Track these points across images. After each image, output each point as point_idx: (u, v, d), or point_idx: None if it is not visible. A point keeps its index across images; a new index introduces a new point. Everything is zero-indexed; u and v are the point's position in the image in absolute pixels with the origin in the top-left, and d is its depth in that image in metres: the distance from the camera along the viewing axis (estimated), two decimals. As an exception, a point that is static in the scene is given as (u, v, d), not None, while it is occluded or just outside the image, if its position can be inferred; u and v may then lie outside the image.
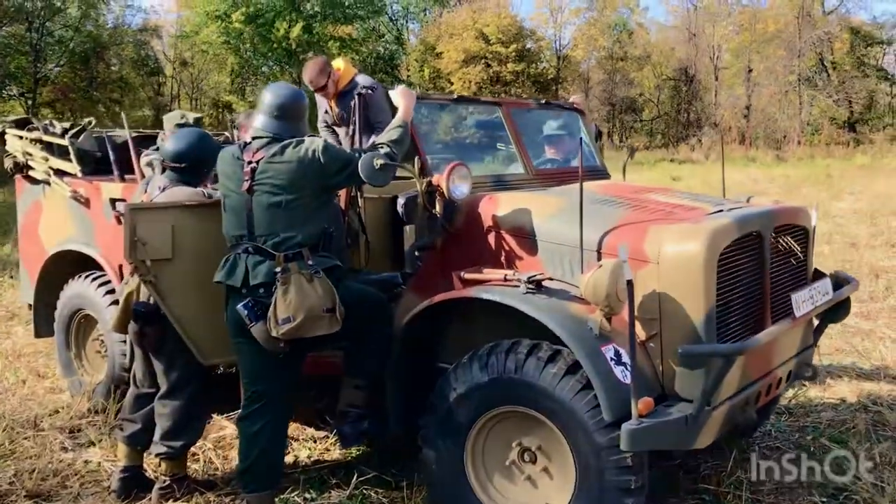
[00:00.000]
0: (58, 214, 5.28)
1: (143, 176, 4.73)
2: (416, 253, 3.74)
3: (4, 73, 28.43)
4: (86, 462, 4.37)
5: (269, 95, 3.48)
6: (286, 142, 3.37)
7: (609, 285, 2.94)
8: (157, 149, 5.01)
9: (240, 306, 3.29)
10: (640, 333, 3.14)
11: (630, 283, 2.86)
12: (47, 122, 5.58)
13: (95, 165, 5.29)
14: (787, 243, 3.65)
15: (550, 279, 3.35)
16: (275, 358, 3.36)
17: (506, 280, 3.34)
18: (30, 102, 29.52)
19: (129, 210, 3.54)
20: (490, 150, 4.75)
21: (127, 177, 5.02)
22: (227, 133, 6.32)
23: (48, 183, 5.29)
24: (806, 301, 3.43)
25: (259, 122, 3.47)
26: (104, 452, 4.46)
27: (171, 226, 3.61)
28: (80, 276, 5.11)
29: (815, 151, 32.43)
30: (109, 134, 5.25)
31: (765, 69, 37.54)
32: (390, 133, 3.53)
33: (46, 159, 5.26)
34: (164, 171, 4.03)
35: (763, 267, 3.39)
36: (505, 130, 4.28)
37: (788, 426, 4.65)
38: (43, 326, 5.55)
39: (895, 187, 18.84)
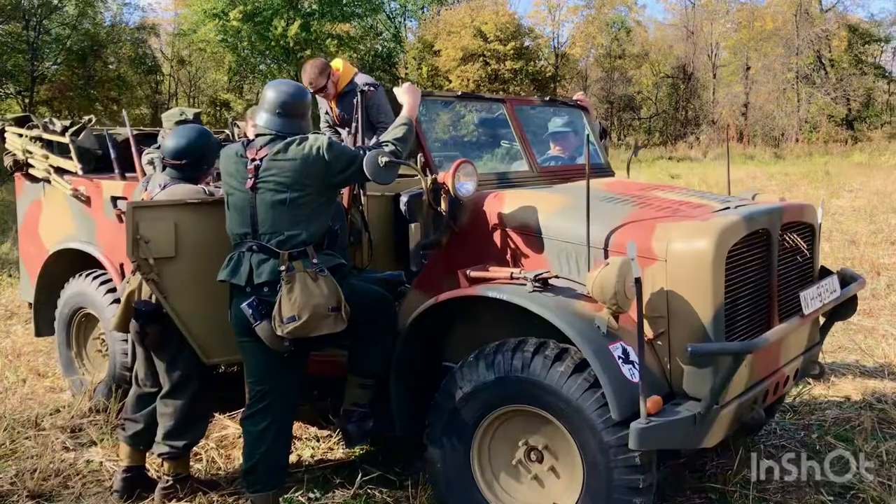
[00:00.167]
0: (58, 213, 5.25)
1: (144, 174, 4.70)
2: (422, 251, 3.71)
3: (1, 71, 28.32)
4: (87, 462, 4.35)
5: (272, 93, 3.45)
6: (290, 139, 3.34)
7: (617, 283, 2.92)
8: (158, 147, 4.98)
9: (244, 305, 3.27)
10: (648, 331, 3.12)
11: (638, 281, 2.84)
12: (47, 119, 5.55)
13: (96, 163, 5.25)
14: (793, 240, 3.63)
15: (557, 277, 3.33)
16: (279, 357, 3.34)
17: (512, 278, 3.31)
18: (27, 101, 29.41)
19: (131, 208, 3.52)
20: (488, 147, 4.73)
21: (128, 175, 4.99)
22: (227, 131, 6.29)
23: (48, 181, 5.26)
24: (814, 299, 3.42)
25: (262, 119, 3.44)
26: (106, 452, 4.44)
27: (174, 224, 3.59)
28: (80, 275, 5.08)
29: (813, 149, 32.38)
30: (110, 132, 5.21)
31: (763, 67, 37.52)
32: (395, 130, 3.50)
33: (47, 157, 5.22)
34: (164, 168, 4.00)
35: (770, 264, 3.37)
36: (509, 127, 4.25)
37: (793, 424, 4.63)
38: (43, 325, 5.52)
39: (893, 184, 18.83)
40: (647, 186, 3.98)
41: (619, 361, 2.97)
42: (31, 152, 5.32)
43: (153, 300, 3.69)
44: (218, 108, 36.44)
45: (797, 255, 3.66)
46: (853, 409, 4.83)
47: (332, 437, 4.56)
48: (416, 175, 4.89)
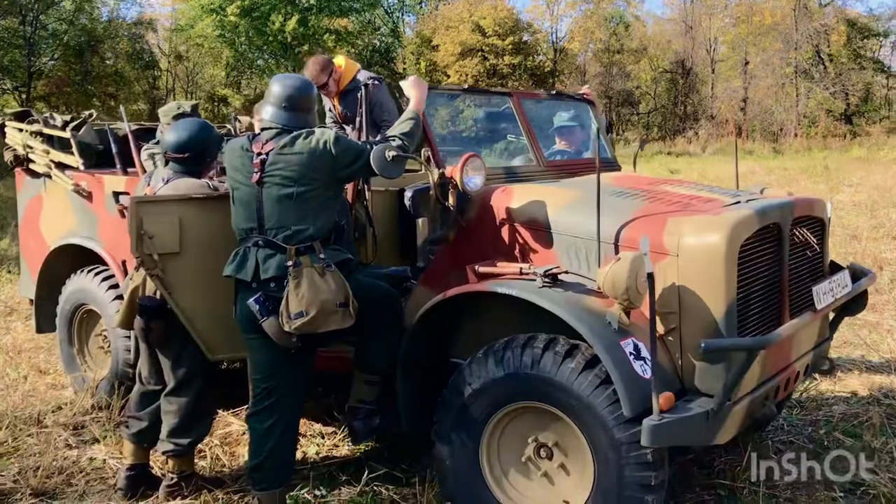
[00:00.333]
0: (59, 208, 5.21)
1: (143, 170, 4.67)
2: (429, 246, 3.67)
3: (-2, 66, 28.27)
4: (91, 459, 4.31)
5: (278, 86, 3.42)
6: (296, 133, 3.30)
7: (629, 278, 2.89)
8: (158, 142, 4.94)
9: (251, 301, 3.23)
10: (659, 327, 3.09)
11: (651, 277, 2.80)
12: (47, 114, 5.50)
13: (97, 158, 5.21)
14: (803, 235, 3.60)
15: (566, 272, 3.29)
16: (286, 353, 3.30)
17: (521, 273, 3.28)
18: (24, 96, 29.31)
19: (135, 203, 3.48)
20: (487, 142, 4.69)
21: (129, 170, 4.95)
22: (228, 126, 6.24)
23: (49, 176, 5.22)
24: (826, 294, 3.39)
25: (267, 113, 3.40)
26: (109, 449, 4.41)
27: (179, 219, 3.56)
28: (82, 271, 5.04)
29: (812, 143, 32.36)
30: (111, 126, 5.17)
31: (761, 61, 37.43)
32: (402, 125, 3.46)
33: (47, 152, 5.18)
34: (166, 163, 3.96)
35: (782, 259, 3.34)
36: (514, 121, 4.21)
37: (800, 420, 4.61)
38: (44, 322, 5.48)
39: (893, 179, 18.83)
40: (656, 181, 3.94)
41: (631, 358, 2.94)
42: (31, 147, 5.27)
43: (158, 296, 3.65)
44: (216, 104, 36.33)
45: (807, 250, 3.63)
46: (860, 405, 4.80)
47: (336, 433, 4.53)
48: (421, 170, 4.89)
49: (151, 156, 4.83)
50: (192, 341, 3.69)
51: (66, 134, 5.11)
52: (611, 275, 2.93)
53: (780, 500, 3.69)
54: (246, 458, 4.27)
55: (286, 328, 3.18)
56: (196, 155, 3.84)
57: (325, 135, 3.29)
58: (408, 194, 4.44)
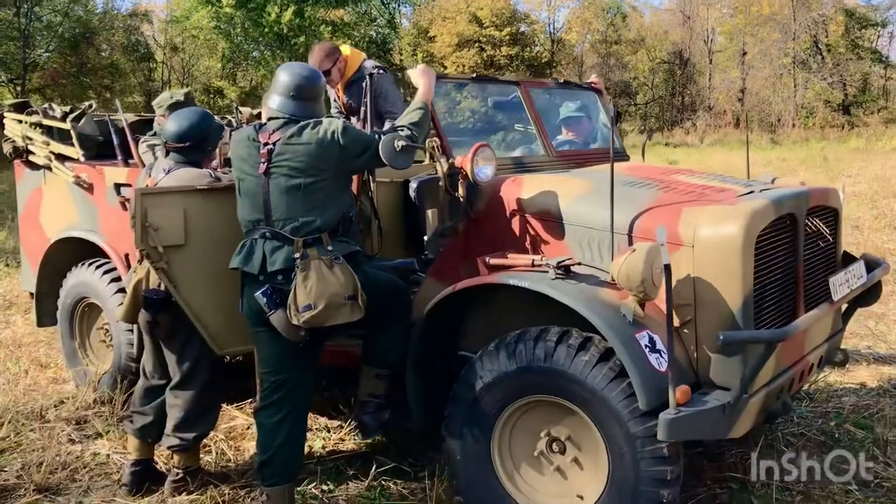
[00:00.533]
0: (60, 200, 5.14)
1: (142, 163, 4.61)
2: (438, 238, 3.61)
3: (-8, 58, 28.08)
4: (94, 454, 4.26)
5: (285, 75, 3.35)
6: (304, 123, 3.24)
7: (644, 270, 2.83)
8: (155, 133, 4.89)
9: (258, 294, 3.18)
10: (674, 320, 3.03)
11: (668, 268, 2.75)
12: (46, 105, 5.43)
13: (97, 150, 5.15)
14: (816, 225, 3.56)
15: (579, 264, 3.24)
16: (294, 346, 3.25)
17: (533, 265, 3.23)
18: (19, 89, 29.11)
19: (139, 194, 3.42)
20: (485, 133, 4.64)
21: (131, 161, 4.89)
22: (229, 116, 6.18)
23: (49, 168, 5.14)
24: (842, 285, 3.35)
25: (275, 102, 3.34)
26: (113, 444, 4.36)
27: (184, 210, 3.50)
28: (83, 264, 4.97)
29: (810, 134, 32.34)
30: (112, 117, 5.10)
31: (759, 52, 37.36)
32: (410, 115, 3.40)
33: (47, 144, 5.11)
34: (167, 153, 3.91)
35: (797, 250, 3.29)
36: (518, 112, 4.15)
37: (810, 412, 4.57)
38: (45, 315, 5.42)
39: (892, 170, 18.81)
40: (668, 170, 3.89)
41: (647, 350, 2.89)
42: (31, 139, 5.20)
43: (162, 288, 3.60)
44: (212, 96, 36.15)
45: (819, 241, 3.58)
46: (870, 396, 4.77)
47: (342, 427, 4.48)
48: (426, 160, 4.83)
49: (151, 147, 4.77)
50: (197, 334, 3.64)
51: (67, 125, 5.04)
52: (626, 266, 2.88)
53: (793, 493, 3.65)
54: (252, 452, 4.24)
55: (294, 321, 3.13)
56: (197, 144, 3.79)
57: (332, 125, 3.23)
58: (413, 185, 4.38)
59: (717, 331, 2.91)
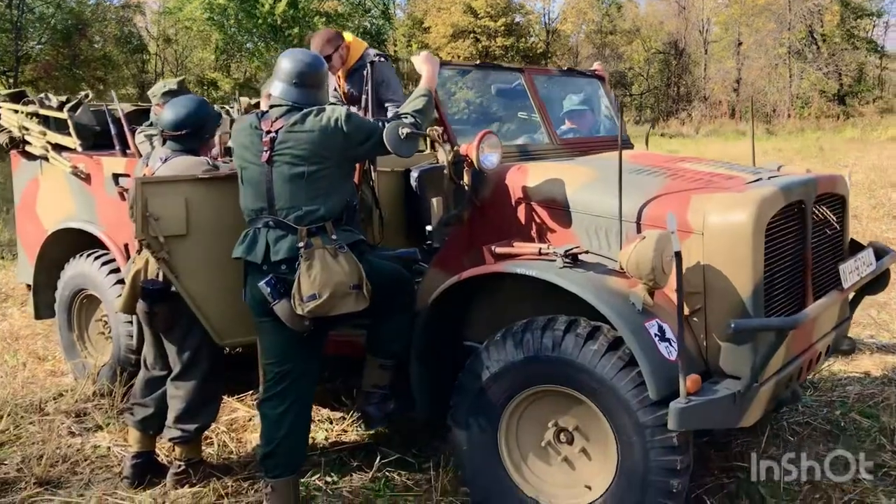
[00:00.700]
0: (57, 191, 5.08)
1: (139, 153, 4.56)
2: (443, 227, 3.57)
3: (-15, 51, 27.89)
4: (95, 447, 4.23)
5: (287, 62, 3.30)
6: (307, 110, 3.19)
7: (654, 258, 2.80)
8: (151, 124, 4.84)
9: (262, 284, 3.14)
10: (684, 308, 3.00)
11: (678, 255, 2.71)
12: (42, 95, 5.37)
13: (94, 140, 5.09)
14: (822, 213, 3.52)
15: (586, 252, 3.20)
16: (298, 336, 3.21)
17: (540, 254, 3.19)
18: (11, 81, 28.92)
19: (140, 183, 3.37)
20: (481, 125, 4.57)
21: (129, 151, 4.83)
22: (227, 106, 6.13)
23: (46, 158, 5.08)
24: (852, 272, 3.32)
25: (277, 89, 3.29)
26: (113, 437, 4.32)
27: (185, 199, 3.45)
28: (81, 255, 4.92)
29: (805, 124, 32.36)
30: (109, 107, 5.04)
31: (755, 42, 37.33)
32: (414, 102, 3.36)
33: (44, 134, 5.04)
34: (164, 142, 3.86)
35: (805, 237, 3.26)
36: (517, 101, 4.10)
37: (815, 401, 4.54)
38: (43, 308, 5.37)
39: (888, 159, 18.83)
40: (674, 158, 3.85)
41: (656, 339, 2.86)
42: (27, 129, 5.13)
43: (160, 279, 3.55)
44: (205, 88, 35.97)
45: (826, 228, 3.55)
46: (875, 385, 4.75)
47: (345, 418, 4.45)
48: (425, 150, 4.78)
49: (149, 137, 4.72)
50: (198, 325, 3.61)
51: (64, 115, 4.98)
52: (635, 254, 2.84)
53: (800, 482, 3.62)
54: (254, 444, 4.21)
55: (298, 311, 3.09)
56: (194, 132, 3.75)
57: (336, 112, 3.19)
58: (414, 175, 4.35)
59: (726, 319, 2.87)
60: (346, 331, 3.71)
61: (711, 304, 2.98)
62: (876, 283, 3.69)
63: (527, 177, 3.50)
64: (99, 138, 5.09)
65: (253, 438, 4.30)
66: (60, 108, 5.06)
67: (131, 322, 4.57)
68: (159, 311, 3.60)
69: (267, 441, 3.31)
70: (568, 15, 42.42)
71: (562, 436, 3.16)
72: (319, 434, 4.29)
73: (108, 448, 4.20)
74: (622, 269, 2.97)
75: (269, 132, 3.19)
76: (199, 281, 3.51)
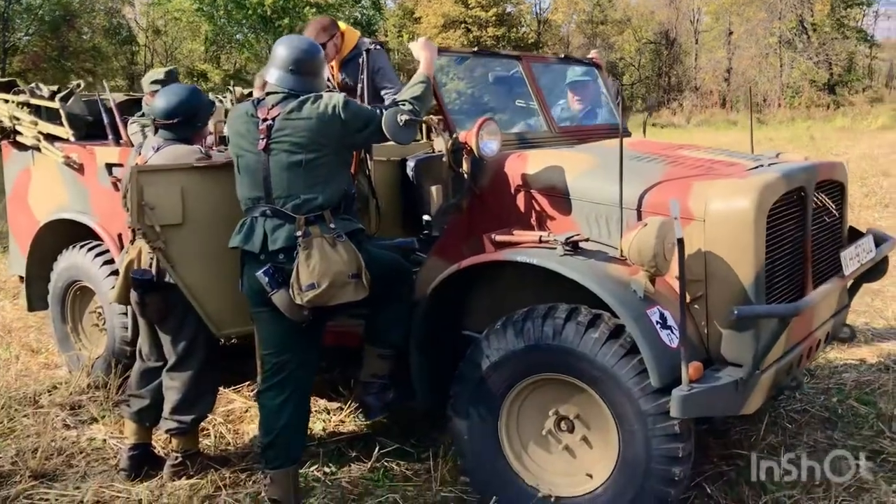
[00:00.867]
0: (49, 182, 5.03)
1: (131, 143, 4.52)
2: (444, 215, 3.55)
3: (-28, 42, 27.64)
4: (90, 439, 4.19)
5: (283, 49, 3.26)
6: (304, 97, 3.16)
7: (656, 244, 2.78)
8: (143, 114, 4.79)
9: (259, 273, 3.11)
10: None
11: (681, 242, 2.70)
12: (33, 85, 5.30)
13: (86, 130, 5.03)
14: (821, 200, 3.51)
15: (587, 240, 3.18)
16: (297, 326, 3.19)
17: (541, 242, 3.17)
18: (-1, 72, 28.75)
19: (135, 172, 3.34)
20: (471, 115, 4.54)
21: (121, 141, 4.78)
22: (219, 96, 6.08)
23: (38, 149, 5.02)
24: (853, 259, 3.31)
25: (273, 76, 3.25)
26: (108, 429, 4.29)
27: (181, 188, 3.41)
28: (74, 247, 4.87)
29: (796, 114, 32.44)
30: (101, 97, 4.99)
31: (745, 31, 37.35)
32: (412, 89, 3.32)
33: (35, 124, 4.98)
34: (156, 130, 3.83)
35: (806, 224, 3.25)
36: (524, 86, 4.07)
37: (812, 388, 4.54)
38: (36, 300, 5.32)
39: (878, 148, 18.93)
40: (673, 146, 3.83)
41: (658, 327, 2.85)
42: (18, 119, 5.07)
43: (151, 268, 3.52)
44: (195, 79, 35.79)
45: (825, 216, 3.54)
46: (871, 372, 4.76)
47: (342, 409, 4.42)
48: (421, 139, 4.75)
49: (142, 127, 4.68)
50: (192, 315, 3.57)
51: (56, 104, 4.92)
52: (637, 241, 2.82)
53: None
54: (251, 435, 4.19)
55: (297, 301, 3.06)
56: (186, 120, 3.71)
57: (333, 99, 3.15)
58: (411, 164, 4.31)
59: (728, 306, 2.87)
60: (344, 321, 3.68)
61: (713, 291, 2.97)
62: (874, 271, 3.69)
63: (526, 164, 3.48)
64: (91, 128, 5.04)
65: (250, 430, 4.27)
66: (52, 97, 5.01)
67: (126, 313, 4.53)
68: (150, 300, 3.56)
69: (266, 432, 3.29)
70: (559, 5, 42.34)
71: (562, 424, 3.15)
72: (317, 425, 4.27)
73: (104, 440, 4.16)
74: (623, 256, 2.96)
75: (265, 120, 3.16)
76: (196, 271, 3.47)
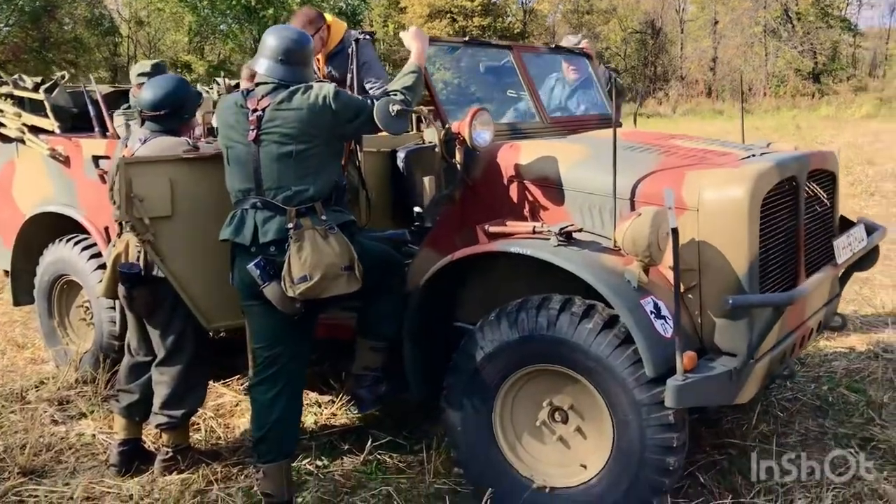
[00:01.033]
0: (34, 174, 4.96)
1: (117, 136, 4.46)
2: (436, 206, 3.52)
3: (-49, 33, 27.27)
4: (79, 435, 4.15)
5: (273, 39, 3.22)
6: (294, 88, 3.12)
7: (650, 234, 2.77)
8: (129, 107, 4.73)
9: (251, 266, 3.07)
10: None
11: (675, 232, 2.69)
12: (16, 76, 5.23)
13: (71, 122, 4.97)
14: (813, 189, 3.52)
15: (580, 230, 3.17)
16: (289, 319, 3.16)
17: (534, 232, 3.15)
18: (-22, 64, 28.37)
19: (123, 164, 3.29)
20: (460, 105, 4.52)
21: (108, 133, 4.72)
22: (206, 87, 6.02)
23: (22, 141, 4.95)
24: (845, 248, 3.32)
25: (262, 66, 3.21)
26: (97, 424, 4.25)
27: (169, 180, 3.37)
28: (61, 240, 4.81)
29: (781, 103, 32.58)
30: (87, 89, 4.92)
31: (731, 21, 37.44)
32: (404, 79, 3.29)
33: (19, 115, 4.91)
34: (142, 122, 3.78)
35: (798, 213, 3.25)
36: (516, 76, 4.04)
37: (803, 377, 4.56)
38: (21, 294, 5.25)
39: (862, 137, 19.06)
40: (665, 135, 3.82)
41: (652, 317, 2.84)
42: (1, 111, 5.00)
43: (139, 262, 3.48)
44: (179, 70, 35.48)
45: (817, 205, 3.55)
46: (861, 360, 4.78)
47: (334, 402, 4.41)
48: (410, 130, 4.70)
49: (127, 120, 4.62)
50: (181, 308, 3.54)
51: (40, 96, 4.86)
52: (631, 231, 2.81)
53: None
54: (242, 429, 4.16)
55: (289, 293, 3.03)
56: (173, 111, 3.67)
57: (324, 89, 3.12)
58: (401, 155, 4.27)
59: (722, 296, 2.87)
60: (335, 313, 3.66)
61: (706, 280, 2.96)
62: (865, 260, 3.70)
63: (519, 155, 3.46)
64: (76, 120, 4.98)
65: (241, 424, 4.25)
66: (36, 89, 4.94)
67: (113, 307, 4.49)
68: (138, 294, 3.52)
69: (258, 426, 3.26)
70: (545, -6, 42.29)
71: (556, 415, 3.14)
72: (308, 418, 4.25)
73: (93, 436, 4.13)
74: (617, 246, 2.95)
75: (255, 111, 3.12)
76: (185, 263, 3.44)
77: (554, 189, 3.34)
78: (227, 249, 3.27)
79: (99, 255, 4.55)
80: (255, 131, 3.10)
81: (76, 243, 4.71)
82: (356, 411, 4.11)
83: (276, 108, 3.09)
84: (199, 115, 4.13)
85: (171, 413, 3.68)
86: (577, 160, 3.34)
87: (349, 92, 3.81)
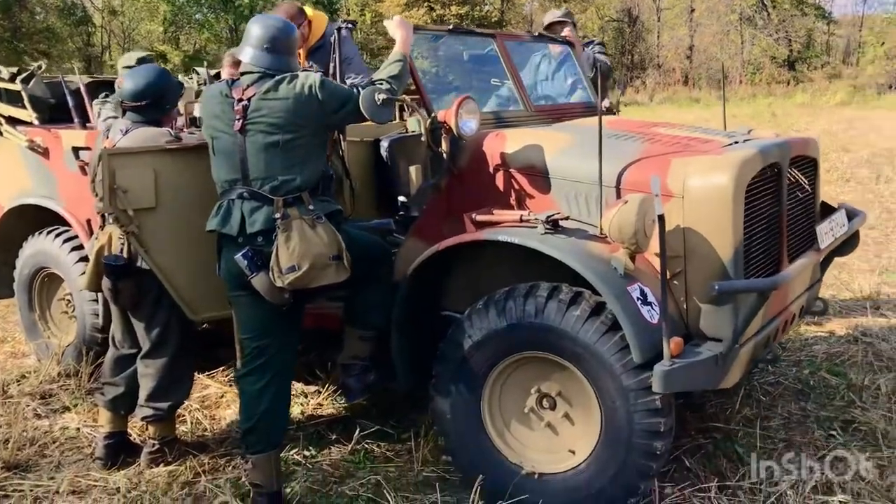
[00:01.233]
0: (11, 167, 4.89)
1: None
2: (422, 195, 3.52)
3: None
4: (63, 429, 4.12)
5: (258, 27, 3.20)
6: (280, 77, 3.10)
7: (637, 221, 2.79)
8: (107, 96, 4.68)
9: (238, 256, 3.06)
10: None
11: (661, 219, 2.71)
12: (-8, 66, 5.15)
13: (49, 113, 4.91)
14: (795, 176, 3.55)
15: (567, 218, 3.18)
16: (277, 310, 3.15)
17: (521, 221, 3.16)
18: (-52, 55, 27.89)
19: (106, 155, 3.26)
20: (444, 93, 4.51)
21: (88, 124, 4.67)
22: (188, 77, 5.96)
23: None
24: (827, 233, 3.36)
25: (248, 55, 3.19)
26: (82, 417, 4.22)
27: (154, 171, 3.35)
28: (41, 233, 4.76)
29: (757, 90, 32.77)
30: (66, 79, 4.86)
31: (706, 9, 37.63)
32: (389, 68, 3.28)
33: (-5, 106, 4.85)
34: (124, 113, 3.75)
35: (781, 199, 3.29)
36: (500, 64, 4.04)
37: (784, 361, 4.62)
38: (1, 288, 5.20)
39: (836, 124, 19.23)
40: (648, 124, 3.84)
41: (639, 303, 2.87)
42: (-24, 101, 4.93)
43: (123, 254, 3.45)
44: (155, 61, 35.09)
45: (798, 191, 3.59)
46: (840, 344, 4.85)
47: (320, 392, 4.40)
48: (394, 119, 4.67)
49: (100, 110, 4.55)
50: (166, 300, 3.52)
51: (16, 86, 4.79)
52: (617, 218, 2.83)
53: (775, 441, 3.70)
54: (228, 420, 4.16)
55: (278, 284, 3.02)
56: (154, 102, 3.64)
57: (309, 79, 3.10)
58: (384, 144, 4.26)
59: (707, 282, 2.90)
60: (323, 303, 3.65)
61: (692, 267, 2.99)
62: (846, 245, 3.76)
63: (505, 143, 3.46)
64: (53, 111, 4.91)
65: (227, 415, 4.24)
66: (12, 79, 4.87)
67: (96, 300, 4.45)
68: (123, 287, 3.50)
69: (247, 417, 3.25)
70: (522, -17, 42.20)
71: (544, 401, 3.16)
72: (295, 408, 4.24)
73: (78, 429, 4.10)
74: (603, 233, 2.97)
75: (240, 100, 3.10)
76: (171, 255, 3.42)
77: (540, 177, 3.35)
78: (212, 240, 3.25)
79: (80, 247, 4.51)
80: (240, 121, 3.08)
81: (57, 235, 4.67)
82: (343, 401, 4.13)
83: (262, 97, 3.07)
84: (180, 105, 4.10)
85: (157, 405, 3.67)
86: (563, 148, 3.36)
87: (335, 81, 3.79)
